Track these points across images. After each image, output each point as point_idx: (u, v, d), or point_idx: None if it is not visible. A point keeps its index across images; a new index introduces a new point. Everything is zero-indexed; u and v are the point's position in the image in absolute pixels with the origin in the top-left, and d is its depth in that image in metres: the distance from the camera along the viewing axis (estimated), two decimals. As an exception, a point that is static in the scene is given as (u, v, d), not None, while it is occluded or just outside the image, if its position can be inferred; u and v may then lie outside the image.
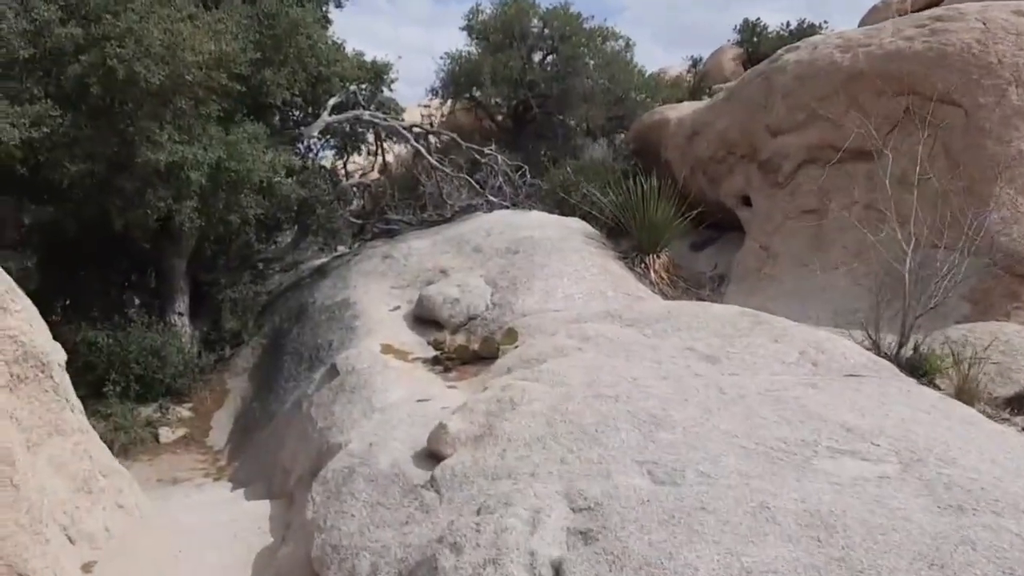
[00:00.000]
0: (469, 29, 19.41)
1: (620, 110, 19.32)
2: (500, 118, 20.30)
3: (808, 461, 4.26)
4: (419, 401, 7.25)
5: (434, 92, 18.98)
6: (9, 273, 6.75)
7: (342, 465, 6.06)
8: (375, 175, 16.43)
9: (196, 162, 9.11)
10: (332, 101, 12.99)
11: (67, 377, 6.88)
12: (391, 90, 14.47)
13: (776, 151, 11.46)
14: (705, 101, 15.73)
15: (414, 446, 5.85)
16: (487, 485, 4.61)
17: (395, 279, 12.09)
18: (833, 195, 10.31)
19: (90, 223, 10.23)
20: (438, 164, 13.68)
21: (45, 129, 8.33)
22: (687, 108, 16.15)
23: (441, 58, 18.77)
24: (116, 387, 11.58)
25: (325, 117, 13.05)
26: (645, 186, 11.59)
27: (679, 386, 5.59)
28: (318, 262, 15.89)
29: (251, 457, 9.89)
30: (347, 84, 13.21)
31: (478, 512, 4.12)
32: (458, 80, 18.59)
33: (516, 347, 8.13)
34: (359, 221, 14.60)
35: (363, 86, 13.93)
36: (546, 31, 18.76)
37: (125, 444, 11.16)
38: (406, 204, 15.08)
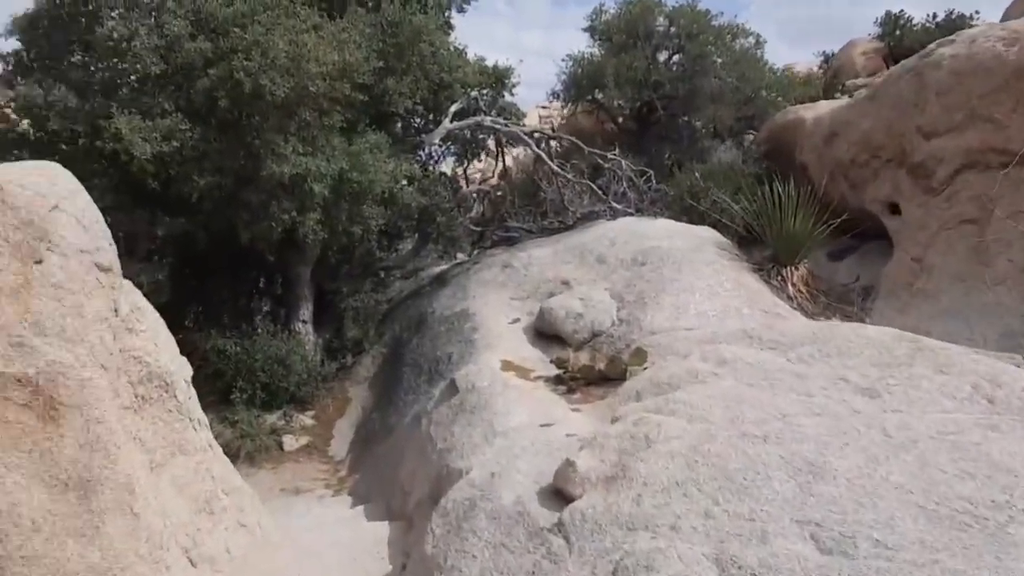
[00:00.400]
0: (591, 30, 18.94)
1: (749, 110, 18.45)
2: (622, 120, 19.75)
3: (1003, 529, 3.63)
4: (542, 426, 6.88)
5: (555, 95, 18.61)
6: (140, 287, 6.79)
7: (463, 496, 5.76)
8: (494, 181, 16.20)
9: (319, 174, 9.07)
10: (453, 108, 12.81)
11: (193, 394, 6.85)
12: (512, 95, 14.21)
13: (930, 154, 10.49)
14: (843, 100, 14.74)
15: (539, 480, 5.48)
16: (622, 537, 4.18)
17: (514, 290, 11.78)
18: (997, 203, 9.32)
19: (219, 235, 10.37)
20: (559, 170, 13.30)
21: (175, 143, 8.44)
22: (824, 107, 15.18)
23: (563, 60, 18.38)
24: (243, 394, 11.76)
25: (446, 124, 12.89)
26: (781, 192, 10.83)
27: (836, 425, 5.00)
28: (437, 270, 15.82)
29: (371, 471, 9.78)
30: (468, 90, 12.99)
31: (614, 574, 3.69)
32: (580, 82, 18.16)
33: (645, 368, 7.65)
34: (478, 228, 14.40)
35: (484, 91, 13.70)
36: (672, 30, 18.08)
37: (251, 452, 11.31)
38: (526, 211, 14.79)
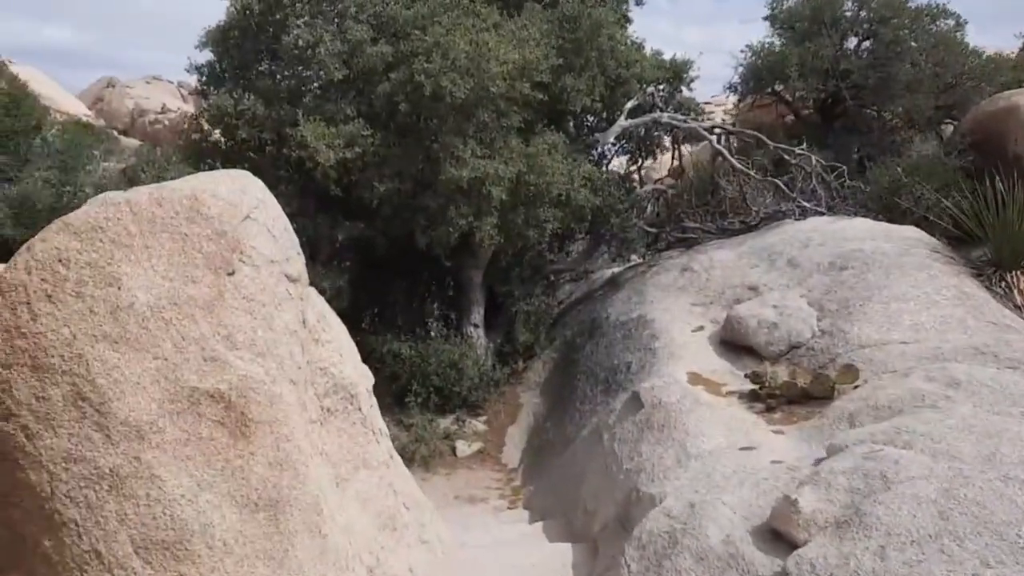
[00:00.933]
0: (772, 19, 17.86)
1: (949, 98, 16.80)
2: (805, 113, 18.55)
3: None
4: (742, 450, 6.27)
5: (732, 88, 17.66)
6: (323, 293, 6.73)
7: (660, 528, 5.25)
8: (668, 180, 15.52)
9: (497, 177, 8.82)
10: (629, 104, 12.29)
11: (374, 403, 6.71)
12: (690, 89, 13.51)
13: None
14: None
15: (749, 516, 4.90)
16: (868, 600, 3.55)
17: (696, 295, 11.12)
18: None
19: (396, 239, 10.35)
20: (742, 166, 12.48)
21: (357, 149, 8.42)
22: (1046, 92, 13.54)
23: (741, 51, 17.40)
24: (417, 398, 11.77)
25: (621, 122, 12.39)
26: (1003, 187, 9.61)
27: (1125, 471, 4.13)
28: (609, 272, 15.31)
29: (547, 484, 9.43)
30: (644, 86, 12.43)
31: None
32: (759, 74, 17.14)
33: (856, 387, 6.86)
34: (653, 230, 13.78)
35: (660, 87, 13.09)
36: (862, 14, 16.73)
37: (425, 456, 11.27)
38: (703, 211, 14.02)
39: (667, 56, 13.01)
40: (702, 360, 9.01)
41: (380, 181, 8.69)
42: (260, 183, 4.82)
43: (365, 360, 11.50)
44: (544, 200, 9.52)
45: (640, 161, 14.35)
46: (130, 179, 12.27)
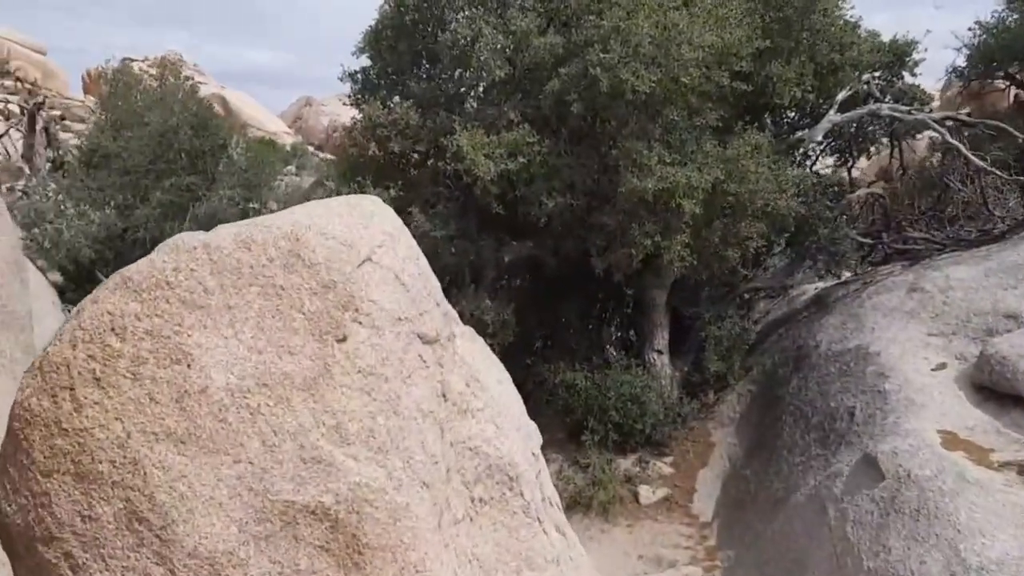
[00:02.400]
0: (1006, -8, 15.16)
1: None
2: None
3: None
4: (1047, 561, 4.50)
5: (957, 73, 15.12)
6: (485, 328, 5.59)
7: None
8: (882, 183, 13.36)
9: (689, 187, 7.35)
10: (841, 95, 10.41)
11: (543, 468, 5.44)
12: (914, 75, 11.39)
13: None
14: None
15: None
16: None
17: (931, 323, 9.15)
18: None
19: (569, 257, 9.09)
20: (985, 165, 10.29)
21: (522, 159, 7.24)
22: None
23: (969, 29, 14.85)
24: (594, 435, 10.51)
25: (832, 116, 10.53)
26: None
27: None
28: (813, 289, 13.38)
29: (753, 556, 7.87)
30: (859, 73, 10.51)
31: None
32: (991, 53, 14.55)
33: None
34: (868, 241, 11.76)
35: (876, 73, 11.10)
36: None
37: (604, 503, 10.00)
38: (929, 218, 11.86)
39: (885, 36, 10.94)
40: (953, 412, 7.16)
41: (549, 195, 7.45)
42: (389, 212, 3.68)
43: (534, 393, 10.37)
44: (746, 212, 7.95)
45: (851, 161, 12.32)
46: (305, 196, 11.76)
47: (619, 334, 12.34)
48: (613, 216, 7.63)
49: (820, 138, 10.63)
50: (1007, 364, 7.07)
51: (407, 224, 4.08)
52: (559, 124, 7.72)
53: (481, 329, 8.18)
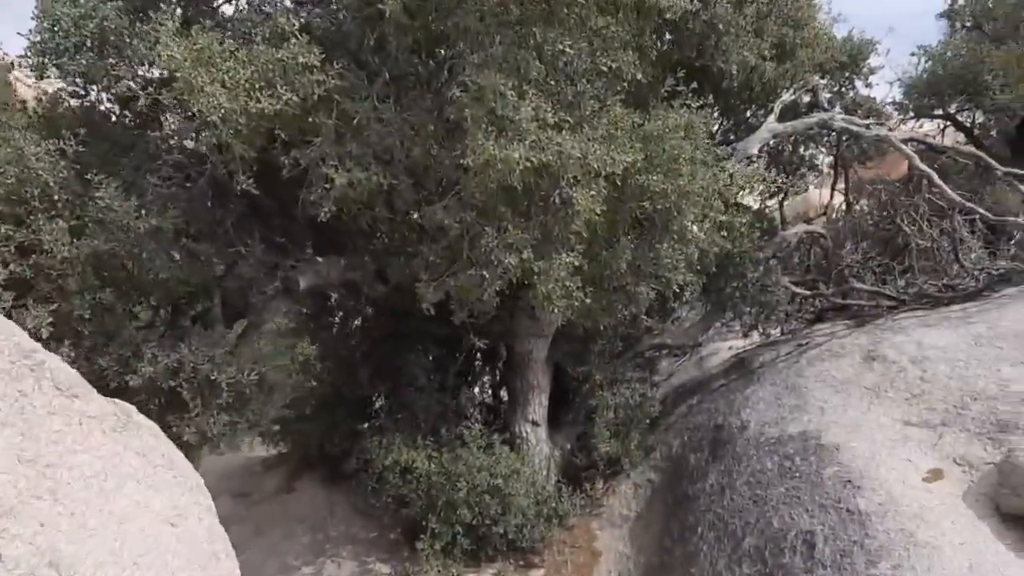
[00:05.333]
0: (952, 15, 13.29)
1: None
2: (988, 144, 13.76)
3: None
4: None
5: (898, 107, 13.00)
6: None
7: None
8: (817, 221, 10.92)
9: (586, 167, 4.43)
10: (784, 98, 7.87)
11: None
12: (869, 85, 9.03)
13: None
14: None
15: None
16: None
17: (907, 407, 6.57)
18: None
19: (405, 286, 6.02)
20: (964, 201, 7.88)
21: (292, 95, 4.16)
22: None
23: (912, 54, 12.79)
24: (436, 541, 7.48)
25: (772, 124, 7.98)
26: None
27: None
28: (726, 348, 10.78)
29: None
30: (808, 72, 8.01)
31: None
32: (940, 86, 12.48)
33: None
34: (804, 292, 9.20)
35: (824, 77, 8.67)
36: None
37: (450, 643, 6.98)
38: (880, 266, 9.44)
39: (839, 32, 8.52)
40: (983, 562, 4.41)
41: (340, 167, 4.40)
42: None
43: (357, 477, 7.47)
44: (671, 228, 5.11)
45: (785, 188, 9.78)
46: None
47: (484, 397, 9.36)
48: (455, 212, 4.62)
49: (755, 151, 7.99)
50: (1064, 488, 4.39)
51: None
52: (373, 55, 4.72)
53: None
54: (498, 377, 9.38)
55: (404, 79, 4.83)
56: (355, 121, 4.45)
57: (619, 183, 4.78)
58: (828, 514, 5.49)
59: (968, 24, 13.12)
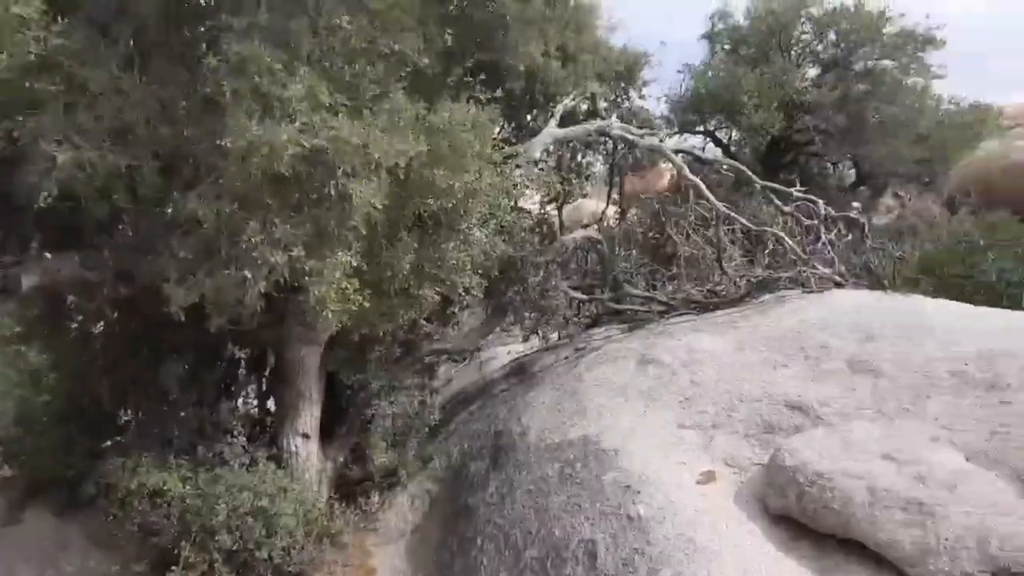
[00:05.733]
0: (712, 37, 14.18)
1: (923, 151, 13.46)
2: (744, 160, 14.88)
3: None
4: None
5: (665, 121, 13.65)
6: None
7: None
8: (592, 226, 11.13)
9: (366, 155, 4.00)
10: (568, 102, 7.87)
11: None
12: (642, 96, 9.28)
13: None
14: None
15: None
16: None
17: (680, 410, 6.71)
18: None
19: (155, 288, 5.24)
20: (730, 211, 8.27)
21: None
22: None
23: (679, 71, 13.49)
24: (191, 571, 6.62)
25: (552, 129, 7.94)
26: None
27: None
28: (504, 353, 10.71)
29: None
30: (588, 80, 8.07)
31: None
32: (700, 104, 13.26)
33: None
34: (582, 296, 9.30)
35: (600, 86, 8.80)
36: (828, 37, 13.29)
37: None
38: (650, 272, 9.75)
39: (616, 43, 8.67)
40: (757, 564, 4.48)
41: (69, 142, 3.68)
42: None
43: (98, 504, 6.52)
44: (456, 227, 4.80)
45: (562, 195, 9.86)
46: None
47: (250, 410, 8.59)
48: (211, 203, 4.01)
49: (538, 155, 7.92)
50: (829, 488, 4.57)
51: None
52: (115, 18, 4.01)
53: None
54: (265, 387, 8.64)
55: (155, 48, 4.14)
56: (87, 91, 3.74)
57: (402, 177, 4.40)
58: (609, 521, 5.41)
59: (727, 47, 14.06)
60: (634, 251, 9.93)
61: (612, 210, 10.68)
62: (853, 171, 14.37)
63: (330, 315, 4.46)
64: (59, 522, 7.91)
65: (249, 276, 4.05)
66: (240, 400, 8.68)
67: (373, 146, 3.99)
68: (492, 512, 6.74)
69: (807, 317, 7.28)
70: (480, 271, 6.23)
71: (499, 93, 5.59)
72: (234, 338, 7.78)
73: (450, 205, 4.67)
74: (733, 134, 14.47)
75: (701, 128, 14.49)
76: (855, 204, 12.55)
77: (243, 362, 8.73)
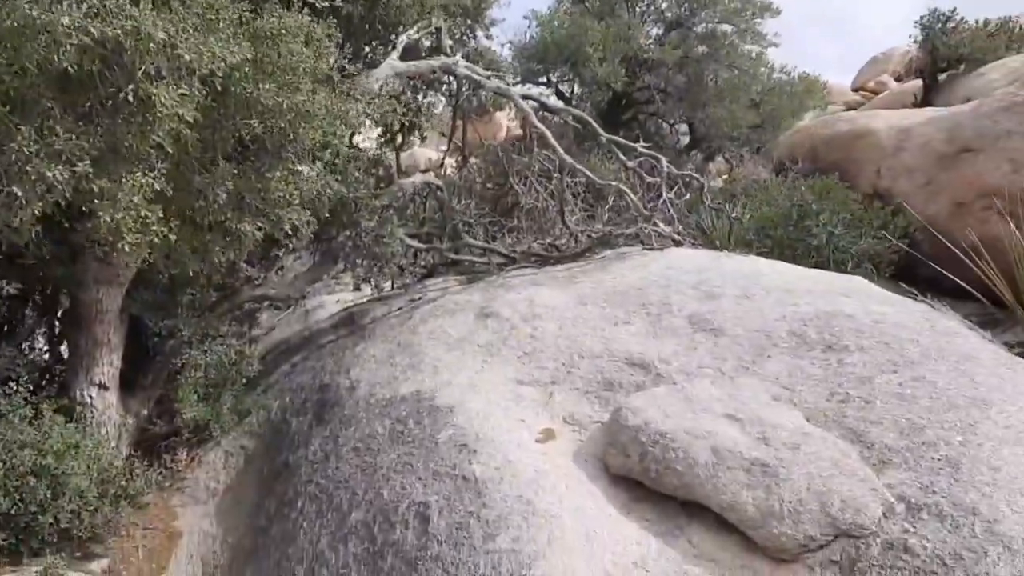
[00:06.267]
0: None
1: (755, 117, 13.90)
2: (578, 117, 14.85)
3: None
4: None
5: (510, 68, 13.28)
6: None
7: None
8: (432, 172, 10.64)
9: (174, 55, 3.31)
10: (411, 33, 7.30)
11: None
12: (489, 37, 8.84)
13: None
14: (955, 108, 10.42)
15: None
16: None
17: (520, 365, 6.45)
18: None
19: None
20: (574, 163, 8.04)
21: None
22: (909, 117, 10.89)
23: (525, 17, 13.13)
24: (-45, 539, 5.76)
25: (394, 61, 7.37)
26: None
27: None
28: (333, 303, 10.10)
29: None
30: (432, 11, 7.53)
31: None
32: (545, 53, 12.97)
33: None
34: (420, 245, 8.84)
35: (445, 21, 8.27)
36: (669, -2, 13.35)
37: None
38: (490, 223, 9.43)
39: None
40: (603, 533, 4.27)
41: None
42: None
43: None
44: (283, 153, 4.18)
45: (403, 137, 9.28)
46: None
47: (36, 356, 7.58)
48: None
49: (377, 87, 7.31)
50: (672, 449, 4.43)
51: None
52: None
53: None
54: (57, 332, 7.65)
55: None
56: None
57: (220, 89, 3.73)
58: (443, 482, 5.05)
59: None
60: (474, 200, 9.52)
61: (451, 158, 10.21)
62: (687, 134, 14.61)
63: (127, 247, 3.76)
64: None
65: (20, 195, 3.28)
66: (26, 345, 7.67)
67: (183, 46, 3.31)
68: (315, 472, 6.22)
69: (648, 274, 7.18)
70: (310, 209, 5.63)
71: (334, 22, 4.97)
72: (16, 274, 6.80)
73: (278, 128, 4.06)
74: (575, 88, 14.31)
75: (544, 79, 14.24)
76: (690, 166, 12.77)
77: (30, 302, 7.72)
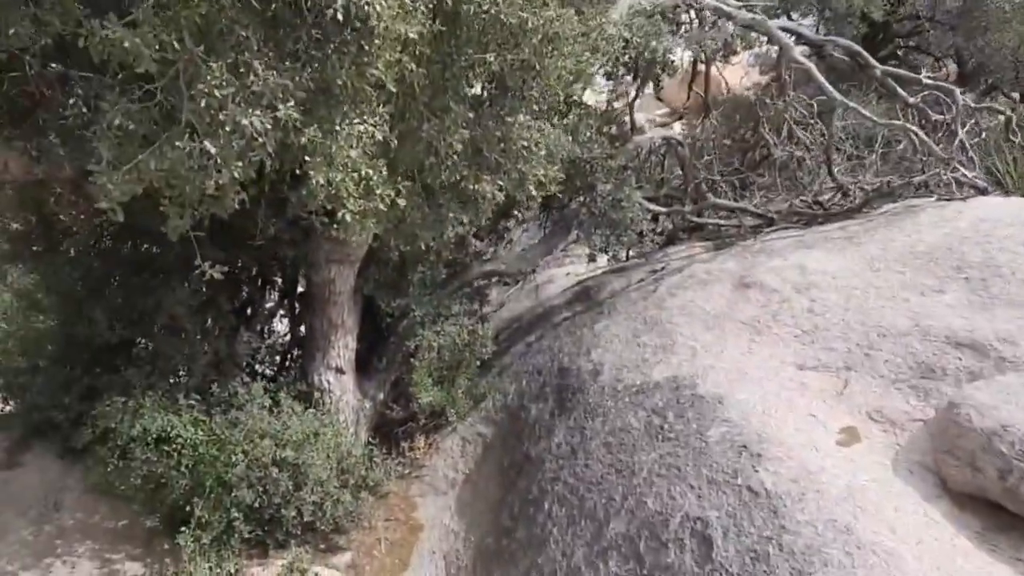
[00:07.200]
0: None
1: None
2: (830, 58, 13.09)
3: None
4: None
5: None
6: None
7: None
8: (673, 124, 9.57)
9: None
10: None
11: None
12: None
13: None
14: None
15: None
16: None
17: (798, 345, 5.36)
18: None
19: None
20: (846, 101, 6.72)
21: None
22: None
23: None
24: (204, 531, 5.60)
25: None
26: None
27: None
28: (563, 276, 9.35)
29: None
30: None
31: None
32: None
33: None
34: (661, 209, 7.87)
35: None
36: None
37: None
38: (739, 180, 8.29)
39: None
40: (954, 572, 3.16)
41: None
42: None
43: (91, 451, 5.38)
44: (531, 87, 3.40)
45: (638, 87, 8.27)
46: None
47: (275, 341, 7.45)
48: (150, 34, 2.54)
49: (612, 30, 6.38)
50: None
51: None
52: None
53: None
54: (294, 315, 7.48)
55: None
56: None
57: (451, 5, 2.98)
58: (723, 494, 4.13)
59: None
60: (717, 156, 8.39)
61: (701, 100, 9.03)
62: (955, 68, 12.47)
63: (348, 217, 3.12)
64: (63, 468, 6.90)
65: (213, 152, 2.67)
66: (266, 330, 7.57)
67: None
68: (560, 468, 5.52)
69: (956, 229, 5.80)
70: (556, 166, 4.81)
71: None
72: (251, 256, 6.58)
73: (521, 58, 3.25)
74: (820, 26, 12.59)
75: (783, 15, 12.63)
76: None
77: (268, 287, 7.58)
